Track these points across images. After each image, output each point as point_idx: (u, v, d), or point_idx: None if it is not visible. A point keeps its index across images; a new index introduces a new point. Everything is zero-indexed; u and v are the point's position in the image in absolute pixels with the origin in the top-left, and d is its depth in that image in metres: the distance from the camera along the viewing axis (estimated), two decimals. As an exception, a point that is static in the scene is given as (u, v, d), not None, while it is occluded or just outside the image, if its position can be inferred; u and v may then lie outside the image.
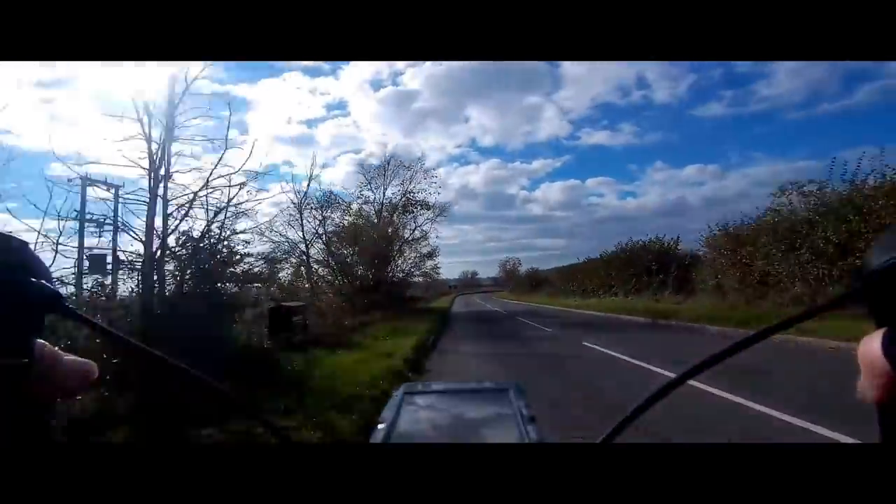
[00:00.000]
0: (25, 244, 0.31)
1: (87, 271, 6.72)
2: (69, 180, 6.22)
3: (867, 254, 0.30)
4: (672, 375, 0.41)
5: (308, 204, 19.87)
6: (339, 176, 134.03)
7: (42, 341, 0.29)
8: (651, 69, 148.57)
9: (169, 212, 6.34)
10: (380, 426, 0.46)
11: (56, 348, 0.30)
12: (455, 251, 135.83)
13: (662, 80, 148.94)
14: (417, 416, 0.49)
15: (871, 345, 0.28)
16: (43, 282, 0.30)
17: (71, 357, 0.32)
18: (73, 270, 6.46)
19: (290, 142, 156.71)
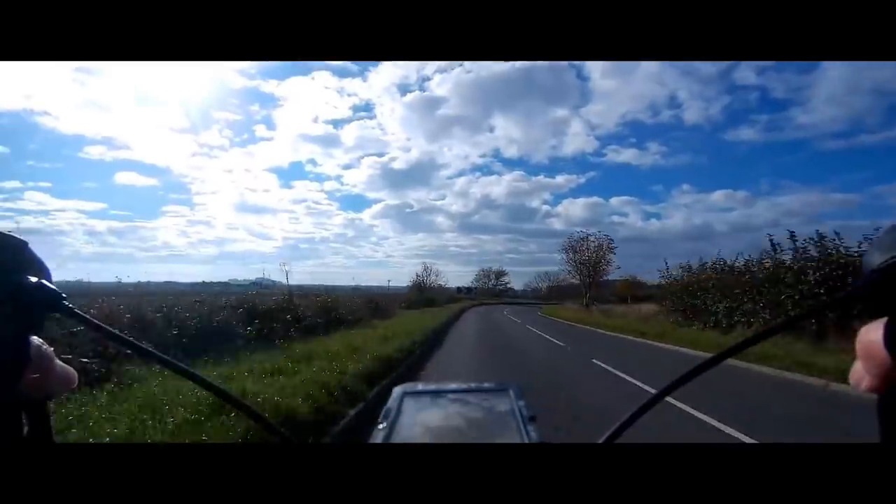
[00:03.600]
0: (25, 243, 0.31)
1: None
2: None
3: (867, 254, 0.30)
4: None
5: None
6: (361, 178, 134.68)
7: (38, 340, 0.30)
8: (683, 88, 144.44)
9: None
10: (380, 426, 0.46)
11: (52, 349, 0.30)
12: (472, 260, 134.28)
13: (694, 99, 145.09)
14: (417, 416, 0.49)
15: (872, 334, 0.28)
16: (43, 281, 0.30)
17: (59, 361, 0.32)
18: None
19: (316, 141, 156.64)
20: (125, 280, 8.30)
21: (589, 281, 39.12)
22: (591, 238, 40.52)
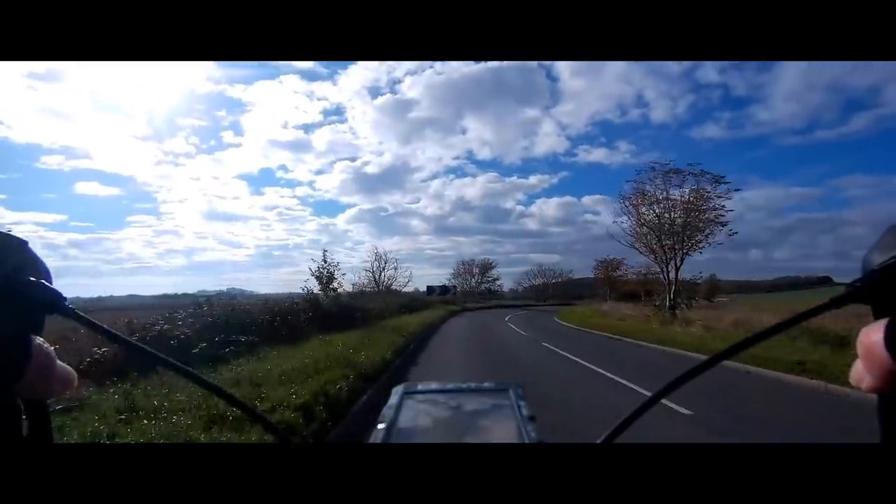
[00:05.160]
0: (25, 243, 0.31)
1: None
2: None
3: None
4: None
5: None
6: (334, 182, 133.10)
7: (40, 339, 0.29)
8: (650, 87, 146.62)
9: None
10: (379, 426, 0.46)
11: (52, 348, 0.30)
12: (448, 262, 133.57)
13: (661, 98, 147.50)
14: (417, 416, 0.49)
15: (873, 335, 0.28)
16: (43, 281, 0.30)
17: (59, 361, 0.32)
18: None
19: (286, 146, 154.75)
20: (83, 295, 7.54)
21: (678, 263, 18.84)
22: (685, 171, 18.50)
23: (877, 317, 0.29)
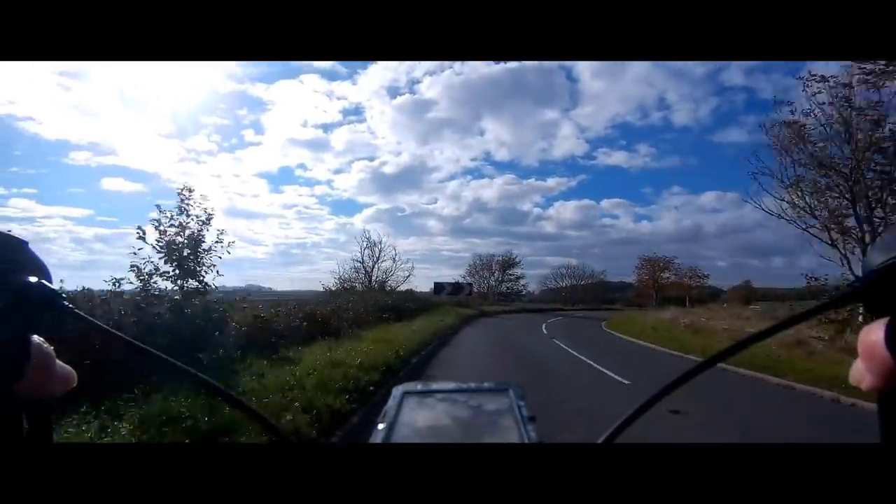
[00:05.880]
0: (25, 243, 0.31)
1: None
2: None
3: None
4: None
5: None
6: (352, 182, 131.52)
7: (40, 339, 0.29)
8: (672, 90, 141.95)
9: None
10: (379, 426, 0.46)
11: (52, 348, 0.30)
12: (464, 264, 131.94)
13: (683, 101, 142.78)
14: (417, 416, 0.49)
15: (873, 334, 0.28)
16: (42, 281, 0.30)
17: (59, 361, 0.32)
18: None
19: (306, 145, 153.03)
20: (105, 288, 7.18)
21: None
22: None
23: (877, 316, 0.29)
